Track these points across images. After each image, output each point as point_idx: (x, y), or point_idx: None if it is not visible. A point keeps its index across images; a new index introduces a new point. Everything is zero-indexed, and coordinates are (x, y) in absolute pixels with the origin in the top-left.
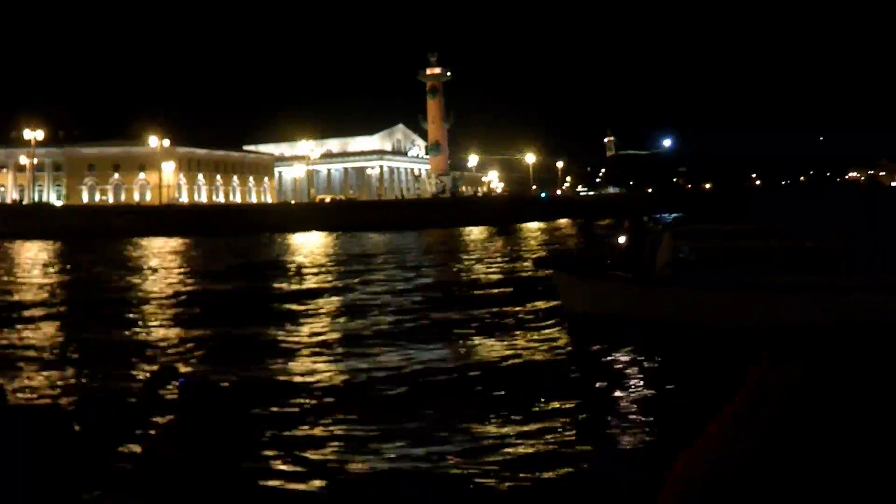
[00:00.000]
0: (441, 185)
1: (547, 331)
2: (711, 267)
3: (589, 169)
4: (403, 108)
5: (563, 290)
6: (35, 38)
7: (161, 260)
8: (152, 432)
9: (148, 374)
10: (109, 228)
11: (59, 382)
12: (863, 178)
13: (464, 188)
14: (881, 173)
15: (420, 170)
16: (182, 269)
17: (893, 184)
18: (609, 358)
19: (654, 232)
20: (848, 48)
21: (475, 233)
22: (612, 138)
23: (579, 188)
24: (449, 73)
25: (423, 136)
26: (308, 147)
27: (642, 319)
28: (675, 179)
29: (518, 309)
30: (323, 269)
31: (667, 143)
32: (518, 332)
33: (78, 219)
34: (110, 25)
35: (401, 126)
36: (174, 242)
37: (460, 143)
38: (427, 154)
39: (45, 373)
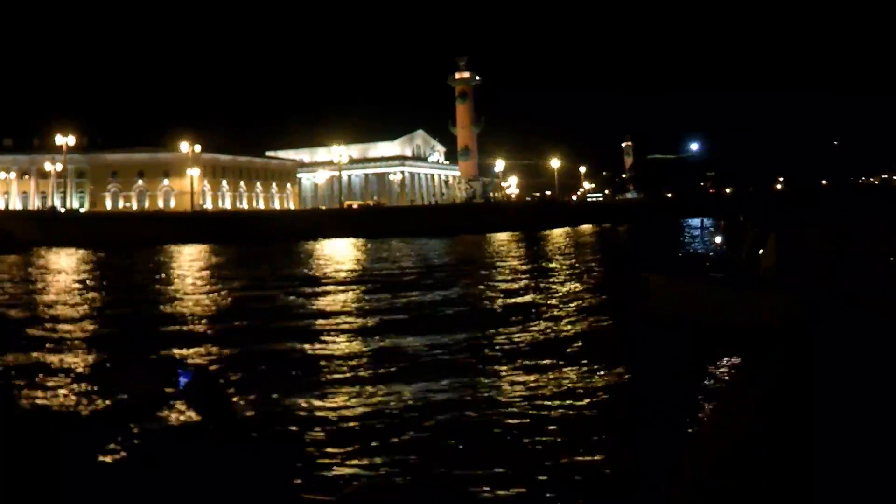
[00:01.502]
0: (471, 190)
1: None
2: (820, 269)
3: (605, 174)
4: (423, 114)
5: (657, 292)
6: (57, 46)
7: (229, 270)
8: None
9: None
10: (141, 236)
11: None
12: (877, 182)
13: (492, 194)
14: (895, 177)
15: (442, 175)
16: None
17: None
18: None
19: (755, 233)
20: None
21: (505, 238)
22: (629, 143)
23: (589, 194)
24: (478, 78)
25: (442, 141)
26: (336, 153)
27: (743, 323)
28: (702, 184)
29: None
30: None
31: (694, 147)
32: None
33: (110, 226)
34: (134, 33)
35: (420, 132)
36: (204, 249)
37: (486, 149)
38: (446, 160)
39: None
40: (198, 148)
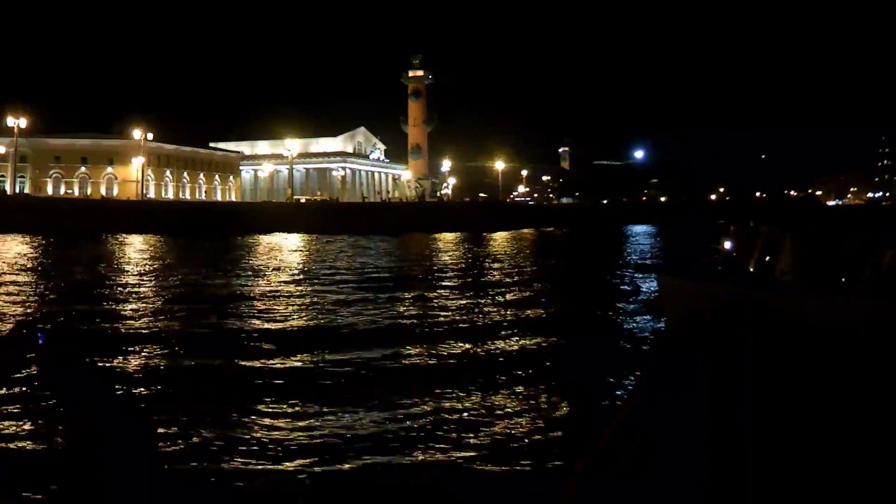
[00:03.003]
0: (421, 189)
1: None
2: (837, 272)
3: (544, 178)
4: (364, 112)
5: (668, 295)
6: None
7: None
8: None
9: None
10: (88, 225)
11: None
12: (801, 196)
13: (439, 193)
14: (818, 192)
15: (383, 173)
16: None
17: (830, 203)
18: None
19: (768, 236)
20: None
21: (451, 239)
22: (566, 149)
23: (518, 197)
24: (431, 77)
25: (383, 139)
26: (278, 146)
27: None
28: (647, 191)
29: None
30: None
31: (639, 154)
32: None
33: (59, 213)
34: (82, 18)
35: (362, 129)
36: (153, 241)
37: (433, 148)
38: (386, 158)
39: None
40: (149, 136)
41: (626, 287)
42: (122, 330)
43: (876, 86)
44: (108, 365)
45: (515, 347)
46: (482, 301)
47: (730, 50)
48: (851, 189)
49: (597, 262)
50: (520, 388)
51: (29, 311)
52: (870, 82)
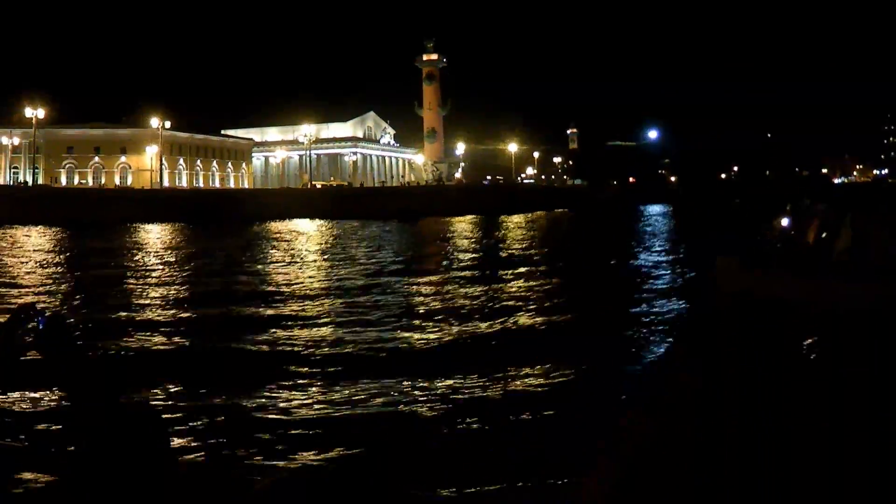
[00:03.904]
0: (438, 172)
1: None
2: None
3: (556, 161)
4: (373, 97)
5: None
6: (12, 20)
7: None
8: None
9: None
10: (108, 215)
11: None
12: (807, 173)
13: (456, 176)
14: (823, 171)
15: (393, 157)
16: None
17: (836, 181)
18: None
19: (825, 214)
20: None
21: (468, 221)
22: (574, 130)
23: (524, 178)
24: (445, 61)
25: (392, 124)
26: (288, 133)
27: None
28: (660, 171)
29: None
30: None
31: (652, 134)
32: None
33: (78, 204)
34: (92, 8)
35: (371, 114)
36: (172, 229)
37: (446, 132)
38: (395, 142)
39: None
40: (167, 123)
41: (658, 271)
42: (136, 318)
43: (882, 65)
44: (116, 351)
45: (538, 330)
46: (510, 285)
47: (737, 34)
48: (857, 167)
49: (617, 245)
50: (541, 373)
51: (44, 300)
52: (875, 62)
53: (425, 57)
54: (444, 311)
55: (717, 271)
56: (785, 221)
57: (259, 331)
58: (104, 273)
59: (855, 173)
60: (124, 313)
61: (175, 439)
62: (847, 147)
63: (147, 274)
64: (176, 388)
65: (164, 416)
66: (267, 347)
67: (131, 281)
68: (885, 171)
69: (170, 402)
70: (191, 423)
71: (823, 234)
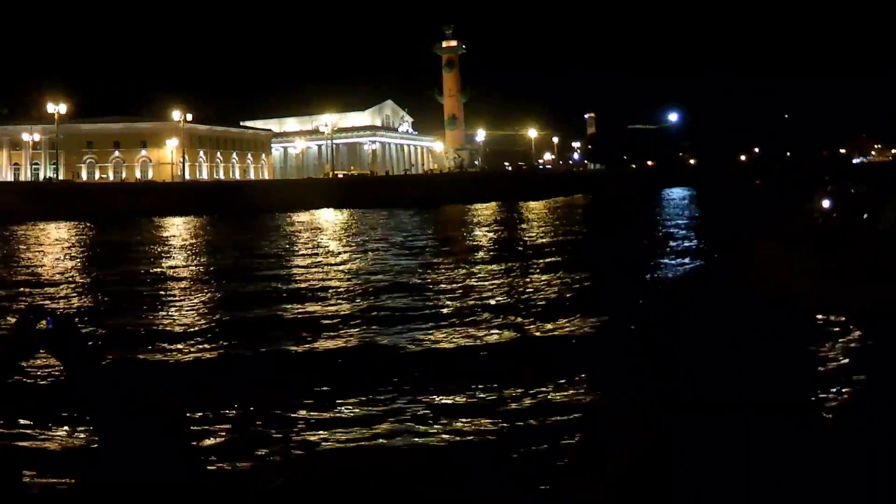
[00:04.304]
0: (459, 159)
1: None
2: None
3: (574, 145)
4: (390, 85)
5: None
6: (29, 16)
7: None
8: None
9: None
10: (127, 208)
11: None
12: (826, 153)
13: (476, 163)
14: (841, 151)
15: (411, 146)
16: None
17: (855, 161)
18: None
19: (868, 195)
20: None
21: (490, 209)
22: (592, 115)
23: (541, 164)
24: (464, 47)
25: (410, 112)
26: (306, 122)
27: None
28: (680, 154)
29: None
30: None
31: (673, 117)
32: None
33: (101, 198)
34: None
35: (389, 102)
36: (194, 222)
37: (466, 119)
38: (413, 130)
39: None
40: (188, 116)
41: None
42: (156, 317)
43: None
44: (138, 354)
45: (562, 330)
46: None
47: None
48: (875, 146)
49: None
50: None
51: (73, 298)
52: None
53: (444, 44)
54: (506, 307)
55: (756, 255)
56: (826, 203)
57: (289, 331)
58: (131, 269)
59: (873, 153)
60: (152, 314)
61: (194, 439)
62: (863, 127)
63: (178, 272)
64: (201, 385)
65: (186, 413)
66: (297, 347)
67: (164, 279)
68: None
69: (192, 400)
70: (209, 425)
71: (865, 216)
